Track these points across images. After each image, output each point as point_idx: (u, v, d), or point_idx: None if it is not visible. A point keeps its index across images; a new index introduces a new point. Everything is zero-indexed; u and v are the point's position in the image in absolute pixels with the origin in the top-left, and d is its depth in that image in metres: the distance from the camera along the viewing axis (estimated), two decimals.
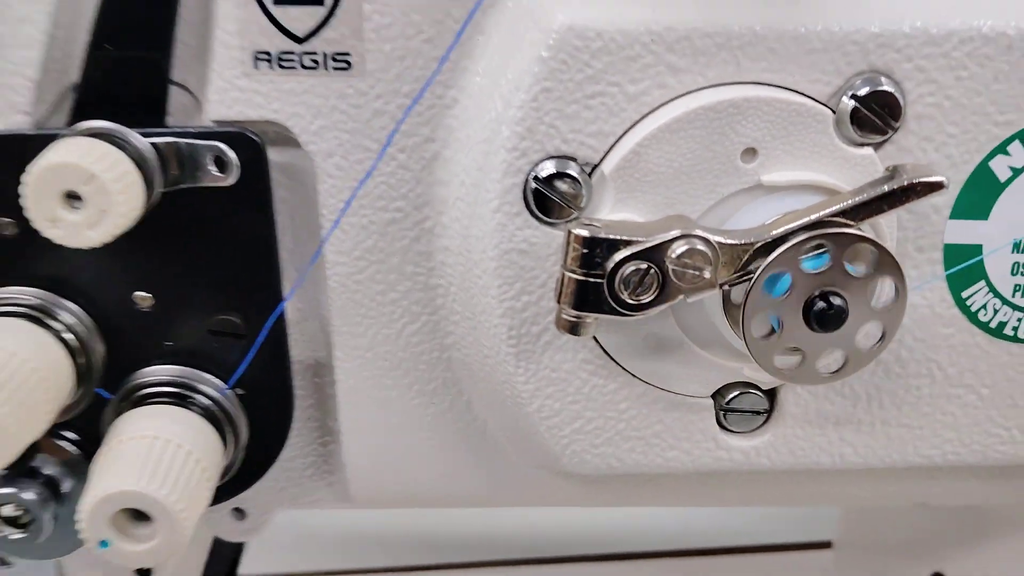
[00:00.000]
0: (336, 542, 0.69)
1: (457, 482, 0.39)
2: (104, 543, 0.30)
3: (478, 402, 0.36)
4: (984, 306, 0.33)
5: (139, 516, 0.31)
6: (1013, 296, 0.33)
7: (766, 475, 0.36)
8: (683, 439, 0.34)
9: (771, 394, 0.34)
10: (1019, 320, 0.33)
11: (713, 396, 0.34)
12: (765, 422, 0.34)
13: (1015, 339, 0.33)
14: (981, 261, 0.32)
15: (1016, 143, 0.31)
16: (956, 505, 0.43)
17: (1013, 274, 0.32)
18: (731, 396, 0.33)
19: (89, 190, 0.28)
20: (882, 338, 0.29)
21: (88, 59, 0.31)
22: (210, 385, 0.34)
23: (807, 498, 0.41)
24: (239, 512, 0.41)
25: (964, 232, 0.32)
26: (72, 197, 0.28)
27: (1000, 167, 0.31)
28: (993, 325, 0.33)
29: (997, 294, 0.33)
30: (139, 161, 0.30)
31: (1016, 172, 0.31)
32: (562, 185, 0.30)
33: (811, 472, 0.36)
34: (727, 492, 0.39)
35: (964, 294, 0.33)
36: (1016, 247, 0.32)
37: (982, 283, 0.33)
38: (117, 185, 0.28)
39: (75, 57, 0.32)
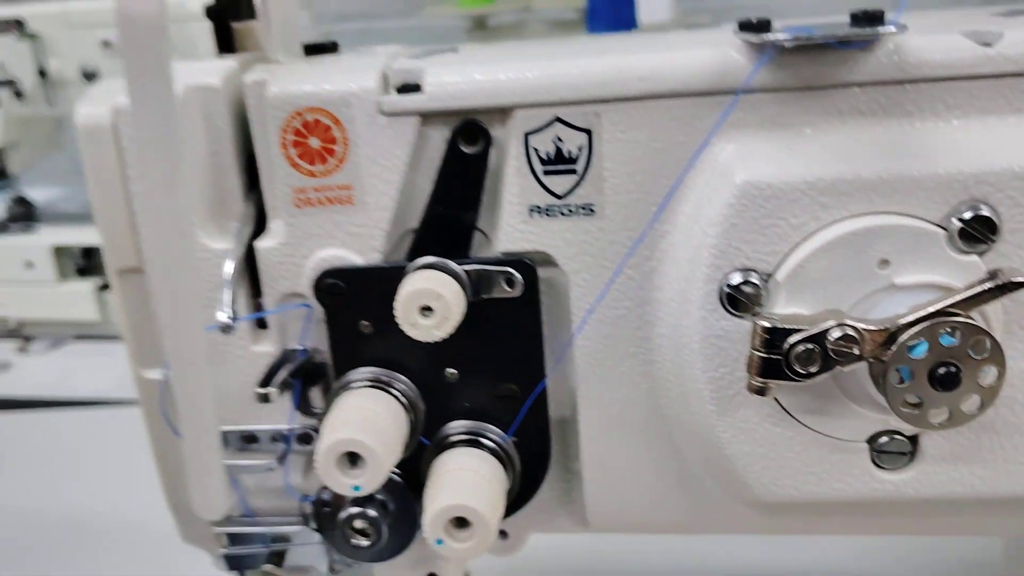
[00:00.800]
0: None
1: (668, 512, 0.51)
2: (439, 541, 0.45)
3: (685, 448, 0.49)
4: None
5: (460, 524, 0.45)
6: None
7: (914, 506, 0.47)
8: (845, 474, 0.45)
9: (913, 439, 0.45)
10: None
11: (868, 441, 0.45)
12: (910, 461, 0.45)
13: None
14: None
15: None
16: None
17: None
18: (881, 440, 0.45)
19: (438, 305, 0.43)
20: (981, 406, 0.40)
21: (425, 216, 0.47)
22: (495, 434, 0.49)
23: (953, 529, 0.51)
24: (503, 534, 0.55)
25: None
26: (425, 309, 0.44)
27: None
28: None
29: None
30: (461, 283, 0.45)
31: None
32: (747, 288, 0.43)
33: (951, 503, 0.46)
34: (883, 522, 0.49)
35: None
36: None
37: None
38: (455, 300, 0.43)
39: (411, 214, 0.48)
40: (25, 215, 1.74)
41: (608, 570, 0.81)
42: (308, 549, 0.54)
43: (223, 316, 0.45)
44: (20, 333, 1.68)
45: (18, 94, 1.58)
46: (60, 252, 1.65)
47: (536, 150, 0.45)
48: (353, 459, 0.44)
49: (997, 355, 0.39)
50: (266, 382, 0.47)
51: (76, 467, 1.17)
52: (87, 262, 1.70)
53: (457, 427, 0.49)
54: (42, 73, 1.56)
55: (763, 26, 0.42)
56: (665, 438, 0.49)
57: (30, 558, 0.98)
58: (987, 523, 0.49)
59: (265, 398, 0.46)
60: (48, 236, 1.66)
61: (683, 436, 0.48)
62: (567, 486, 0.53)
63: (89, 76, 1.56)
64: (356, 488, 0.44)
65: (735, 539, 0.77)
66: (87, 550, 0.99)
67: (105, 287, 1.66)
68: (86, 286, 1.64)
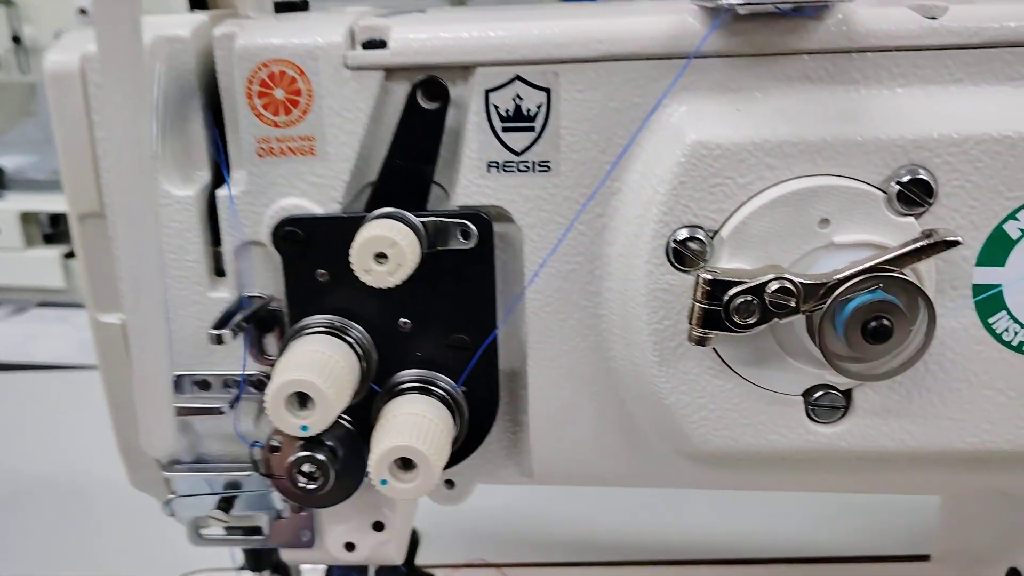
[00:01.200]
0: (493, 538, 0.83)
1: (611, 465, 0.53)
2: (384, 482, 0.46)
3: (629, 400, 0.50)
4: (1007, 329, 0.45)
5: (405, 466, 0.46)
6: None
7: (848, 460, 0.49)
8: (781, 426, 0.47)
9: (847, 394, 0.46)
10: None
11: (803, 395, 0.47)
12: (843, 415, 0.47)
13: None
14: (1001, 295, 0.44)
15: (1023, 211, 0.43)
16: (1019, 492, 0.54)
17: None
18: (816, 395, 0.46)
19: (393, 252, 0.44)
20: (919, 351, 0.42)
21: (383, 169, 0.48)
22: (446, 383, 0.50)
23: (886, 486, 0.53)
24: (449, 483, 0.56)
25: (987, 275, 0.44)
26: (380, 256, 0.45)
27: (1012, 229, 0.44)
28: (1015, 344, 0.45)
29: (1016, 320, 0.45)
30: (417, 233, 0.46)
31: None
32: (692, 244, 0.45)
33: (883, 457, 0.48)
34: (818, 476, 0.51)
35: (990, 320, 0.45)
36: None
37: (1003, 312, 0.45)
38: (409, 249, 0.44)
39: (371, 167, 0.49)
40: None
41: (553, 529, 0.83)
42: (256, 497, 0.55)
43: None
44: None
45: None
46: (27, 218, 1.63)
47: (496, 107, 0.46)
48: (303, 400, 0.45)
49: (928, 309, 0.41)
50: (220, 325, 0.48)
51: (37, 428, 1.17)
52: (54, 230, 1.69)
53: (408, 375, 0.50)
54: (16, 40, 1.54)
55: None
56: (611, 391, 0.51)
57: None
58: (919, 480, 0.51)
59: (218, 339, 0.47)
60: (16, 202, 1.65)
61: (627, 389, 0.50)
62: (514, 438, 0.54)
63: None
64: (304, 428, 0.45)
65: (680, 501, 0.79)
66: (48, 506, 0.99)
67: (71, 255, 1.65)
68: (52, 253, 1.63)
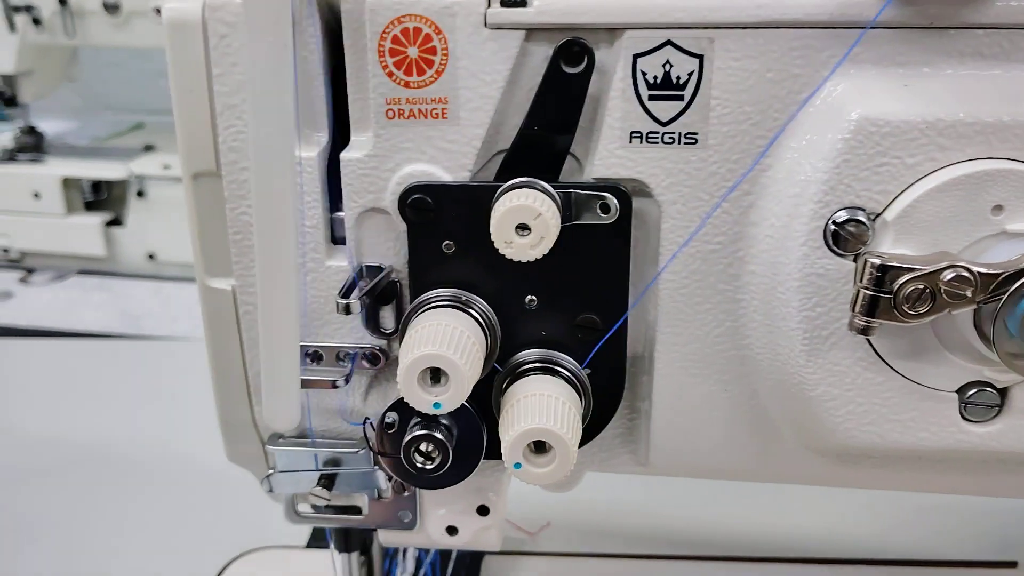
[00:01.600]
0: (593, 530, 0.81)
1: (734, 457, 0.51)
2: (517, 465, 0.44)
3: (763, 391, 0.48)
4: None
5: (538, 449, 0.44)
6: None
7: (997, 461, 0.46)
8: (932, 423, 0.45)
9: (1003, 392, 0.44)
10: None
11: (957, 391, 0.44)
12: (998, 414, 0.44)
13: None
14: None
15: None
16: None
17: None
18: (971, 392, 0.44)
19: (536, 223, 0.42)
20: None
21: (519, 135, 0.45)
22: (570, 363, 0.48)
23: None
24: None
25: None
26: (521, 228, 0.42)
27: None
28: None
29: None
30: (556, 203, 0.44)
31: None
32: (852, 227, 0.42)
33: None
34: (965, 479, 0.49)
35: None
36: None
37: None
38: (552, 220, 0.42)
39: (504, 134, 0.46)
40: (34, 146, 1.70)
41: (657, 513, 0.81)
42: (359, 475, 0.53)
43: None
44: (23, 264, 1.65)
45: (36, 21, 1.53)
46: (69, 184, 1.62)
47: (644, 73, 0.44)
48: (435, 376, 0.43)
49: None
50: (346, 294, 0.46)
51: (80, 395, 1.16)
52: (96, 197, 1.67)
53: (531, 355, 0.48)
54: (62, 2, 1.52)
55: None
56: (743, 380, 0.48)
57: (37, 480, 0.97)
58: None
59: (347, 309, 0.45)
60: (57, 167, 1.63)
61: (764, 379, 0.47)
62: (631, 425, 0.52)
63: (110, 8, 1.52)
64: (437, 405, 0.43)
65: (755, 495, 0.77)
66: (95, 473, 0.98)
67: (113, 222, 1.63)
68: (94, 220, 1.61)
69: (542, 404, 0.44)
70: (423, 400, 0.43)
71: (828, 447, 0.47)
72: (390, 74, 0.45)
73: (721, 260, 0.46)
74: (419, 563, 0.66)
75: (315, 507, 0.57)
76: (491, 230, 0.42)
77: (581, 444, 0.50)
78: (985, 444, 0.45)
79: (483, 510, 0.55)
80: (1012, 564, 0.75)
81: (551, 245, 0.43)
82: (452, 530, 0.55)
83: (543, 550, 0.78)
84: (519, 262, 0.44)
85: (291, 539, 0.82)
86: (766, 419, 0.49)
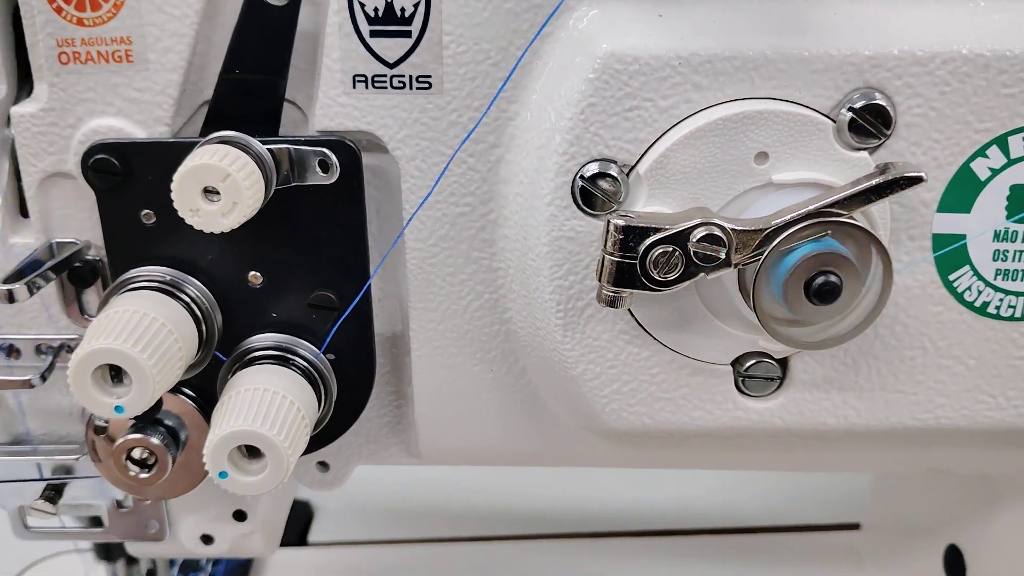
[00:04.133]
0: (394, 514, 0.75)
1: (510, 442, 0.45)
2: (223, 474, 0.37)
3: (531, 369, 0.42)
4: (969, 287, 0.38)
5: (252, 454, 0.37)
6: (995, 279, 0.38)
7: (781, 439, 0.42)
8: (706, 400, 0.40)
9: (783, 363, 0.39)
10: (1001, 300, 0.38)
11: (732, 364, 0.39)
12: (778, 387, 0.40)
13: (998, 317, 0.39)
14: (965, 248, 0.37)
15: (994, 147, 0.36)
16: (965, 473, 0.48)
17: (995, 260, 0.38)
18: (748, 364, 0.39)
19: (225, 186, 0.35)
20: (872, 311, 0.35)
21: (220, 81, 0.38)
22: (307, 350, 0.41)
23: (820, 464, 0.46)
24: (323, 465, 0.48)
25: (950, 223, 0.37)
26: (210, 192, 0.35)
27: (980, 168, 0.37)
28: (977, 304, 0.38)
29: (980, 277, 0.38)
30: (260, 163, 0.37)
31: (994, 172, 0.37)
32: (604, 183, 0.36)
33: (821, 435, 0.41)
34: (745, 455, 0.44)
35: (951, 277, 0.38)
36: (997, 236, 0.37)
37: (967, 268, 0.38)
38: (246, 182, 0.35)
39: (207, 80, 0.39)
40: None
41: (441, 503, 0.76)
42: (93, 483, 0.46)
43: None
44: None
45: None
46: None
47: (362, 4, 0.37)
48: (117, 374, 0.36)
49: (884, 263, 0.34)
50: (16, 278, 0.38)
51: None
52: None
53: (261, 341, 0.41)
54: None
55: None
56: (510, 357, 0.43)
57: None
58: (860, 459, 0.44)
59: (9, 296, 0.37)
60: None
61: (529, 355, 0.42)
62: (398, 412, 0.46)
63: None
64: (119, 409, 0.35)
65: (593, 471, 0.72)
66: None
67: None
68: None
69: (251, 401, 0.37)
70: (101, 403, 0.36)
71: (599, 429, 0.42)
72: (59, 9, 0.37)
73: (472, 224, 0.40)
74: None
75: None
76: (172, 195, 0.35)
77: (335, 436, 0.44)
78: (766, 421, 0.40)
79: (240, 515, 0.48)
80: (855, 526, 0.73)
81: (250, 212, 0.36)
82: (207, 539, 0.49)
83: (318, 540, 0.72)
84: (234, 233, 0.37)
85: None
86: (539, 399, 0.43)
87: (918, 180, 0.34)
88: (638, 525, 0.73)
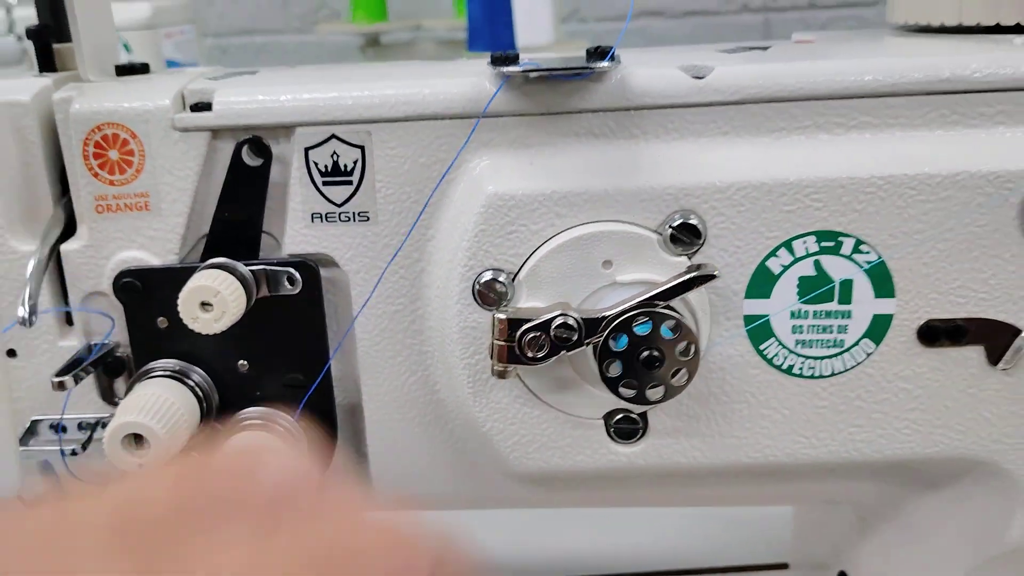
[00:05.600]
0: None
1: (447, 489, 0.57)
2: None
3: (457, 428, 0.55)
4: (776, 354, 0.50)
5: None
6: (796, 347, 0.50)
7: (649, 478, 0.53)
8: (586, 448, 0.52)
9: (643, 416, 0.51)
10: (803, 363, 0.50)
11: (604, 418, 0.51)
12: (641, 436, 0.52)
13: (801, 375, 0.51)
14: (769, 324, 0.50)
15: (783, 249, 0.49)
16: (815, 502, 0.59)
17: (793, 332, 0.50)
18: (616, 418, 0.51)
19: (216, 300, 0.48)
20: (688, 378, 0.47)
21: (214, 221, 0.52)
22: (285, 419, 0.54)
23: (690, 500, 0.58)
24: None
25: (756, 307, 0.50)
26: (206, 304, 0.48)
27: (774, 265, 0.49)
28: (784, 367, 0.50)
29: (784, 346, 0.50)
30: (244, 282, 0.50)
31: (785, 267, 0.49)
32: (496, 286, 0.49)
33: (678, 473, 0.53)
34: (628, 494, 0.56)
35: (761, 347, 0.50)
36: (793, 315, 0.50)
37: (773, 339, 0.50)
38: (231, 296, 0.48)
39: (205, 220, 0.53)
40: None
41: None
42: None
43: (22, 311, 0.49)
44: None
45: None
46: None
47: (316, 163, 0.51)
48: (139, 440, 0.48)
49: (687, 332, 0.46)
50: (64, 372, 0.51)
51: None
52: None
53: (250, 413, 0.54)
54: None
55: (509, 59, 0.49)
56: (441, 420, 0.55)
57: None
58: (719, 494, 0.56)
59: (60, 386, 0.50)
60: None
61: (453, 418, 0.54)
62: (360, 468, 0.58)
63: None
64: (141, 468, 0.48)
65: (523, 519, 0.79)
66: None
67: None
68: None
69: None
70: (128, 462, 0.48)
71: (509, 474, 0.54)
72: (95, 175, 0.51)
73: (405, 318, 0.53)
74: None
75: None
76: (179, 309, 0.48)
77: None
78: (633, 462, 0.52)
79: None
80: (784, 566, 0.82)
81: (234, 318, 0.49)
82: None
83: None
84: (225, 333, 0.50)
85: None
86: (465, 452, 0.56)
87: (712, 277, 0.47)
88: (570, 570, 0.81)
